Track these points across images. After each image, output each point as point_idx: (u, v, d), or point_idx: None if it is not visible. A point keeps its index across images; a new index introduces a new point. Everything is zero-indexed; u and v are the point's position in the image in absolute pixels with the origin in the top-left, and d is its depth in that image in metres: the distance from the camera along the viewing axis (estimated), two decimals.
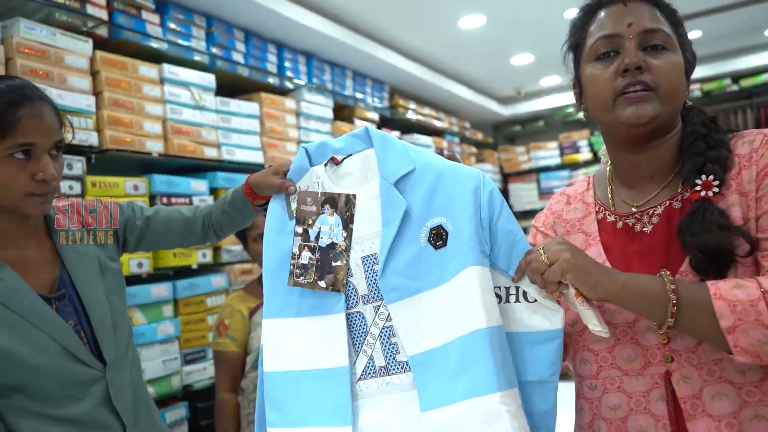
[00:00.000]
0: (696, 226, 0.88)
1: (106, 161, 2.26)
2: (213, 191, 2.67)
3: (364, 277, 1.04)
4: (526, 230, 1.05)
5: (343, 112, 3.80)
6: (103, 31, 2.31)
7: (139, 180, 2.33)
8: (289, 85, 3.27)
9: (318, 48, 3.49)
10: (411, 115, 4.59)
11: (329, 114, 3.49)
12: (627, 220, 1.00)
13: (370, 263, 1.04)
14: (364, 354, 1.02)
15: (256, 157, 2.89)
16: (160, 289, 2.34)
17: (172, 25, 2.61)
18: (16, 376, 1.11)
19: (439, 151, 4.84)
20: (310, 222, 1.09)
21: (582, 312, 0.89)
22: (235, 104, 2.83)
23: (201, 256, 2.56)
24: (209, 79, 2.70)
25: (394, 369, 1.01)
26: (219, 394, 1.91)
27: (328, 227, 1.08)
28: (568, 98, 5.89)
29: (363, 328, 1.03)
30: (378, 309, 1.03)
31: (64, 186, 2.02)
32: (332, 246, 1.07)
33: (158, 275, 2.39)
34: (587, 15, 1.02)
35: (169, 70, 2.51)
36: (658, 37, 0.94)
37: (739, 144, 0.95)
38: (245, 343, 1.90)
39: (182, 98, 2.55)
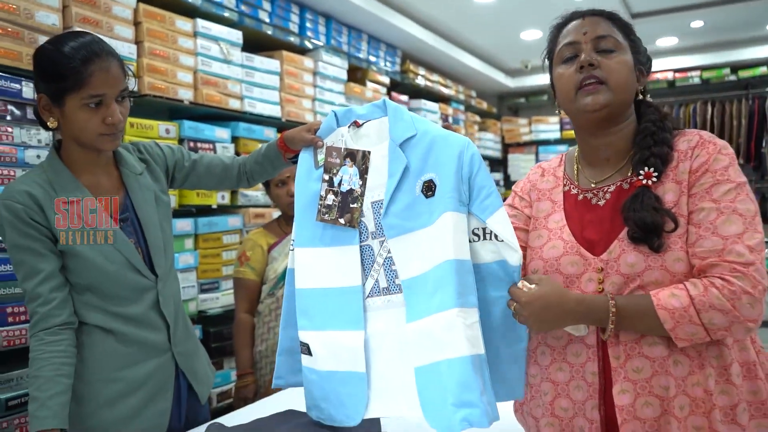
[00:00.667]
0: (636, 206, 1.13)
1: (143, 105, 2.51)
2: (234, 139, 2.92)
3: (372, 217, 1.32)
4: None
5: (357, 74, 4.01)
6: None
7: (170, 124, 2.59)
8: (308, 45, 3.48)
9: (337, 11, 3.68)
10: (420, 81, 4.80)
11: (344, 75, 3.71)
12: (586, 194, 1.25)
13: (377, 207, 1.31)
14: (372, 277, 1.31)
15: (275, 111, 3.13)
16: (184, 224, 2.62)
17: None
18: (89, 277, 1.40)
19: (445, 118, 5.06)
20: (335, 171, 1.36)
21: None
22: (258, 60, 3.06)
23: (220, 197, 2.82)
24: (237, 35, 2.92)
25: (393, 290, 1.29)
26: (238, 315, 2.21)
27: (348, 176, 1.35)
28: None
29: (371, 258, 1.32)
30: (383, 243, 1.31)
31: None
32: (350, 191, 1.34)
33: (182, 211, 2.67)
34: (558, 29, 1.27)
35: (202, 24, 2.73)
36: (608, 41, 1.19)
37: (680, 141, 1.19)
38: (262, 273, 2.21)
39: (212, 51, 2.78)
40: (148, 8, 2.49)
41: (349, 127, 1.38)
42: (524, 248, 1.31)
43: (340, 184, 1.35)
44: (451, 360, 1.17)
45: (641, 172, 1.16)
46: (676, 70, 5.91)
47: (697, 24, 4.81)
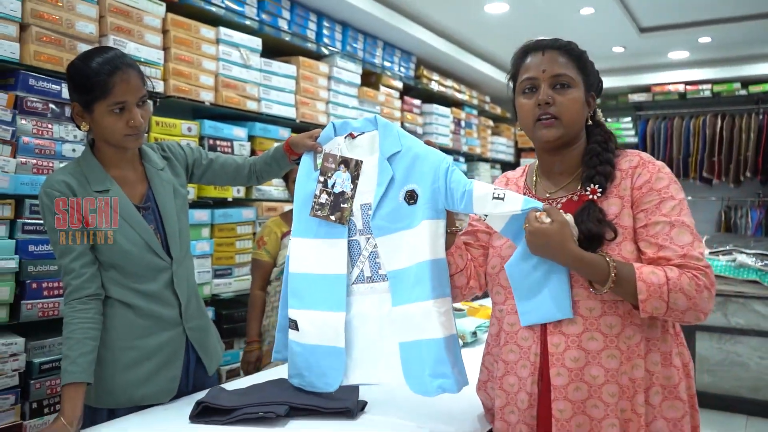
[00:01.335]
0: (584, 217, 1.32)
1: (168, 105, 2.76)
2: (251, 138, 3.16)
3: (361, 217, 1.54)
4: None
5: (371, 79, 4.22)
6: None
7: (192, 123, 2.83)
8: (324, 51, 3.71)
9: (353, 19, 3.90)
10: (433, 86, 4.99)
11: (357, 80, 3.93)
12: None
13: (366, 209, 1.54)
14: (357, 267, 1.53)
15: (290, 113, 3.37)
16: (201, 214, 2.87)
17: None
18: (114, 256, 1.63)
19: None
20: (329, 175, 1.58)
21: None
22: (276, 65, 3.29)
23: (236, 191, 3.07)
24: (256, 42, 3.16)
25: (377, 279, 1.52)
26: (253, 291, 2.56)
27: (341, 180, 1.57)
28: None
29: (358, 251, 1.54)
30: (368, 239, 1.53)
31: None
32: (342, 193, 1.56)
33: (200, 203, 2.91)
34: (520, 57, 1.45)
35: (224, 32, 2.97)
36: (563, 78, 1.36)
37: (622, 161, 1.36)
38: (275, 257, 2.49)
39: (233, 57, 3.02)
40: (176, 17, 2.74)
41: (345, 137, 1.61)
42: (486, 247, 1.52)
43: (333, 186, 1.58)
44: (428, 340, 1.41)
45: (587, 188, 1.35)
46: (687, 83, 6.02)
47: (704, 40, 4.94)
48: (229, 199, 3.05)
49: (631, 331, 1.28)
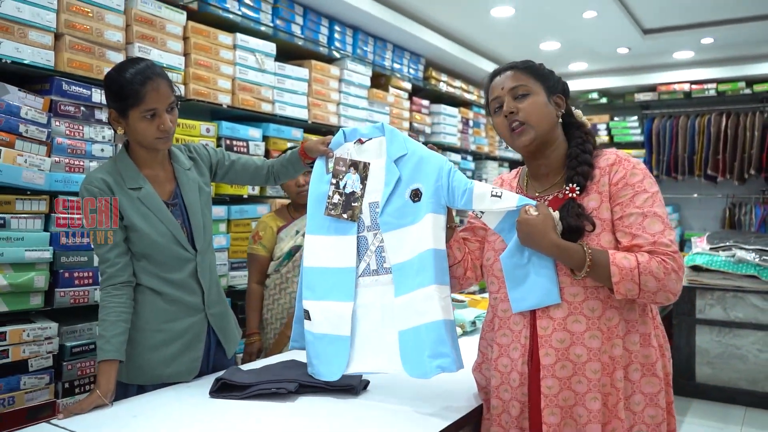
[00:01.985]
0: (564, 212, 1.47)
1: (188, 108, 2.93)
2: (265, 138, 3.33)
3: (369, 215, 1.71)
4: None
5: (380, 80, 4.38)
6: (194, 6, 2.94)
7: (210, 124, 3.01)
8: (336, 54, 3.87)
9: (363, 23, 4.05)
10: (442, 87, 5.14)
11: (367, 82, 4.09)
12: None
13: (374, 207, 1.70)
14: (364, 261, 1.69)
15: (302, 114, 3.53)
16: (219, 210, 3.04)
17: (247, 1, 3.22)
18: (144, 247, 1.80)
19: (464, 123, 5.37)
20: (341, 177, 1.75)
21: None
22: (289, 68, 3.46)
23: (251, 189, 3.24)
24: (271, 47, 3.32)
25: (381, 272, 1.67)
26: (250, 285, 2.64)
27: (351, 181, 1.74)
28: (593, 83, 6.33)
29: (365, 246, 1.70)
30: (376, 235, 1.69)
31: None
32: (353, 193, 1.73)
33: (218, 200, 3.09)
34: (487, 84, 1.60)
35: (241, 38, 3.14)
36: (520, 89, 1.51)
37: (601, 159, 1.50)
38: (272, 251, 2.61)
39: (249, 61, 3.19)
40: (196, 25, 2.91)
41: (354, 143, 1.77)
42: (483, 242, 1.68)
43: (344, 187, 1.75)
44: (429, 323, 1.55)
45: (567, 187, 1.51)
46: (692, 82, 6.11)
47: (707, 40, 5.03)
48: (245, 196, 3.22)
49: (611, 313, 1.43)
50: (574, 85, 6.59)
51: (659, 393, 1.43)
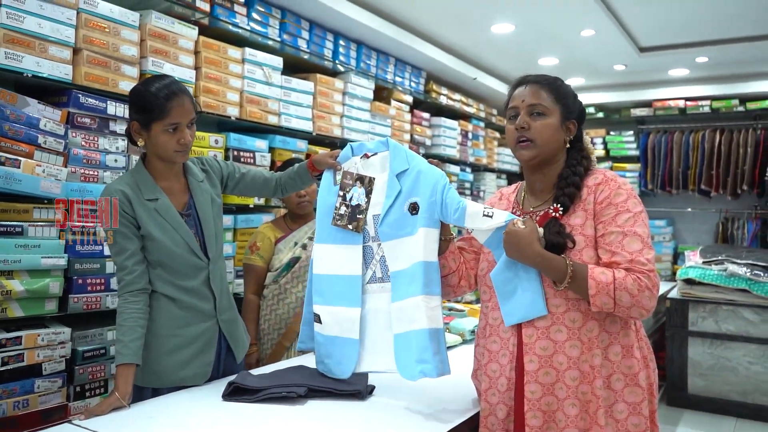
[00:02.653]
0: (546, 230, 1.55)
1: (198, 120, 2.98)
2: (271, 150, 3.42)
3: (373, 226, 1.80)
4: None
5: (382, 93, 4.48)
6: (205, 21, 3.04)
7: (219, 136, 3.09)
8: (340, 68, 3.97)
9: (367, 38, 4.15)
10: (442, 100, 5.24)
11: (370, 95, 4.19)
12: (524, 216, 1.67)
13: (377, 219, 1.80)
14: (370, 269, 1.79)
15: (307, 126, 3.63)
16: (225, 219, 3.11)
17: (255, 16, 3.32)
18: (160, 256, 1.89)
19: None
20: (348, 189, 1.84)
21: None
22: (295, 82, 3.55)
23: (257, 198, 3.32)
24: (278, 61, 3.42)
25: (386, 279, 1.77)
26: (247, 295, 2.68)
27: (357, 194, 1.83)
28: (590, 98, 6.43)
29: (371, 255, 1.80)
30: (380, 245, 1.79)
31: None
32: (358, 206, 1.82)
33: (225, 209, 3.12)
34: (512, 89, 1.69)
35: (249, 52, 3.24)
36: (537, 108, 1.60)
37: (590, 178, 1.59)
38: (269, 261, 2.66)
39: (256, 75, 3.28)
40: (207, 40, 3.00)
41: (360, 157, 1.87)
42: (478, 252, 1.77)
43: (351, 199, 1.84)
44: (416, 330, 1.65)
45: (551, 207, 1.60)
46: (687, 99, 6.24)
47: (701, 59, 5.15)
48: (251, 206, 3.31)
49: (592, 325, 1.51)
50: None
51: (642, 402, 1.50)
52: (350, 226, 1.82)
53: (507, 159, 6.56)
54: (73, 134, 2.41)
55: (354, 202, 1.83)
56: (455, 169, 5.40)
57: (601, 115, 6.68)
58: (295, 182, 2.13)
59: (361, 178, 1.85)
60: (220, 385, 1.87)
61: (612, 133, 6.77)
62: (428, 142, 5.04)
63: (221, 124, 3.31)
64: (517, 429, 1.56)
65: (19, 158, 2.20)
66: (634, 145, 6.64)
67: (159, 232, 1.87)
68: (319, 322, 1.84)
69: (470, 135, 5.71)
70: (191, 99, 1.92)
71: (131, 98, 1.89)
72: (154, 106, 1.82)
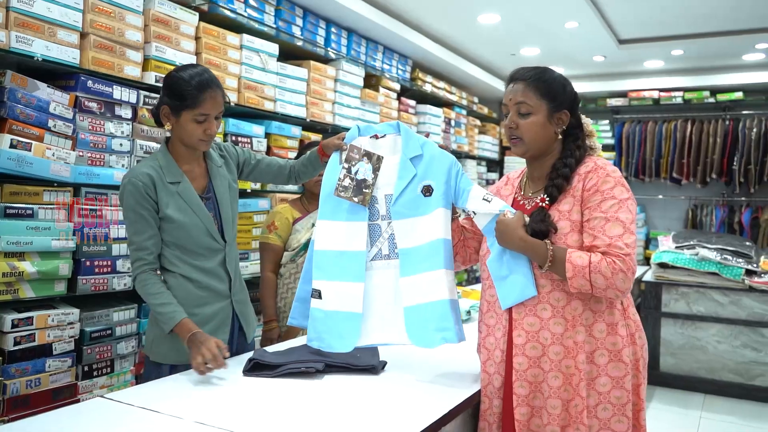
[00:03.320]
0: (533, 218, 1.64)
1: None
2: (267, 135, 3.47)
3: (385, 205, 1.89)
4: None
5: (371, 81, 4.55)
6: (205, 7, 3.06)
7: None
8: (332, 55, 4.03)
9: (357, 25, 4.21)
10: (427, 88, 5.33)
11: (360, 82, 4.26)
12: (523, 201, 1.76)
13: (389, 198, 1.89)
14: (376, 246, 1.88)
15: (301, 112, 3.69)
16: None
17: (252, 2, 3.35)
18: (179, 237, 1.95)
19: (446, 122, 5.59)
20: (353, 163, 1.91)
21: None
22: (290, 68, 3.60)
23: (253, 183, 3.38)
24: (274, 48, 3.47)
25: (393, 257, 1.87)
26: (264, 273, 2.76)
27: (363, 169, 1.91)
28: None
29: (378, 233, 1.89)
30: (389, 224, 1.88)
31: None
32: (364, 180, 1.90)
33: None
34: (506, 83, 1.76)
35: (247, 38, 3.28)
36: (524, 107, 1.67)
37: (582, 166, 1.66)
38: (286, 241, 2.74)
39: (253, 61, 3.33)
40: (207, 26, 3.04)
41: (369, 137, 1.95)
42: (479, 233, 1.86)
43: (356, 173, 1.91)
44: (436, 302, 1.77)
45: (538, 197, 1.71)
46: (661, 90, 6.46)
47: (677, 52, 5.35)
48: (248, 191, 3.36)
49: (576, 304, 1.60)
50: None
51: (625, 377, 1.60)
52: (356, 199, 1.88)
53: (487, 146, 6.70)
54: (81, 118, 2.44)
55: (360, 177, 1.90)
56: None
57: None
58: (307, 169, 2.21)
59: (368, 155, 1.91)
60: (236, 361, 1.96)
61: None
62: (414, 129, 5.13)
63: None
64: (506, 397, 1.69)
65: (31, 141, 2.23)
66: (610, 134, 6.84)
67: (180, 215, 1.93)
68: (319, 297, 1.89)
69: (453, 122, 5.83)
70: (223, 93, 1.97)
71: (165, 83, 1.93)
72: (187, 95, 1.87)
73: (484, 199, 1.74)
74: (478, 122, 6.51)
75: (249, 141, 3.31)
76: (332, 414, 1.57)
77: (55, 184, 2.34)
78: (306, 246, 2.71)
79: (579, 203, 1.63)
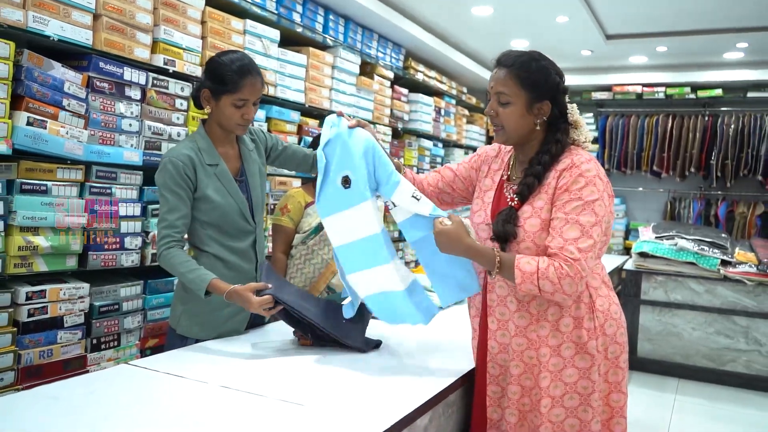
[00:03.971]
0: (499, 218, 1.64)
1: None
2: (268, 119, 3.55)
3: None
4: None
5: (366, 68, 4.63)
6: None
7: None
8: (329, 42, 4.10)
9: (354, 13, 4.28)
10: (419, 77, 5.43)
11: (356, 70, 4.34)
12: (506, 183, 1.75)
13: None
14: None
15: (299, 98, 3.76)
16: None
17: None
18: (214, 217, 2.02)
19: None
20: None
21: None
22: (290, 54, 3.67)
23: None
24: (275, 34, 3.53)
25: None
26: (275, 254, 2.85)
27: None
28: None
29: None
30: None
31: (178, 101, 2.88)
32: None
33: None
34: (493, 67, 1.71)
35: (250, 24, 3.34)
36: (503, 96, 1.64)
37: (560, 162, 1.63)
38: (297, 223, 2.83)
39: (256, 46, 3.39)
40: (212, 11, 3.09)
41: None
42: (455, 174, 1.90)
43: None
44: (392, 292, 1.77)
45: (508, 197, 1.70)
46: (644, 85, 6.64)
47: (661, 48, 5.52)
48: None
49: (541, 300, 1.63)
50: None
51: (591, 368, 1.61)
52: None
53: (474, 136, 6.83)
54: (93, 98, 2.49)
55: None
56: (428, 144, 5.62)
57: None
58: None
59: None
60: (254, 334, 2.08)
61: None
62: (406, 117, 5.23)
63: None
64: (479, 375, 1.77)
65: (46, 120, 2.29)
66: (594, 127, 7.02)
67: (217, 196, 2.00)
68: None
69: (443, 111, 5.94)
70: (262, 80, 2.03)
71: (207, 66, 2.00)
72: (228, 80, 1.94)
73: (413, 196, 1.69)
74: (466, 112, 6.62)
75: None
76: (344, 382, 1.69)
77: (68, 162, 2.40)
78: (317, 230, 2.80)
79: (550, 201, 1.62)
